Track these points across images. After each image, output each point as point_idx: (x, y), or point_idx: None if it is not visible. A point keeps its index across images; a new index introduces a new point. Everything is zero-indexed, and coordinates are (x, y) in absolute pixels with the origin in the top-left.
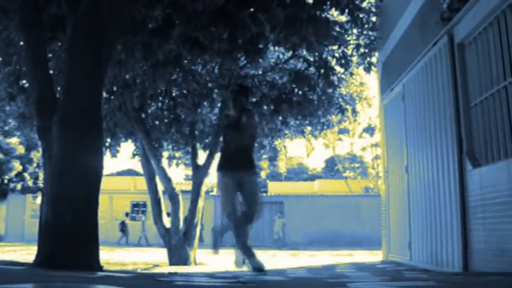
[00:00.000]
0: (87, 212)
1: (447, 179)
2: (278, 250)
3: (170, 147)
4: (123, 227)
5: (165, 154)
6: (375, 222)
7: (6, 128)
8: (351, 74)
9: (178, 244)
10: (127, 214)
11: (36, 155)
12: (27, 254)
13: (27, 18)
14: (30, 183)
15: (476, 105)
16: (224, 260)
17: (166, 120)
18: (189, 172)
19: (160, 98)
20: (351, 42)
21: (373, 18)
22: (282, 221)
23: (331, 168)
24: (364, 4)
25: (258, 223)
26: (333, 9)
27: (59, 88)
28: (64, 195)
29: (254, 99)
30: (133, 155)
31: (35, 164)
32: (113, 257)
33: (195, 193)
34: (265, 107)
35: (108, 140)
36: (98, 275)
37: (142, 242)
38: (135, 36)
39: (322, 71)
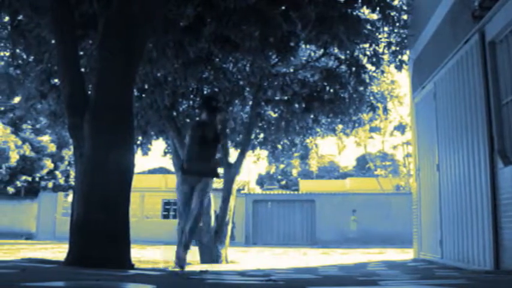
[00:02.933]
0: (119, 210)
1: (478, 177)
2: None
3: None
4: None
5: None
6: (406, 220)
7: (38, 126)
8: (382, 72)
9: (209, 242)
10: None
11: (68, 153)
12: (58, 252)
13: (58, 16)
14: (61, 181)
15: (508, 104)
16: (256, 258)
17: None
18: (220, 170)
19: (192, 96)
20: (382, 40)
21: (404, 16)
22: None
23: (362, 166)
24: (395, 2)
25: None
26: (364, 7)
27: (90, 86)
28: (95, 193)
29: (286, 97)
30: (165, 153)
31: (66, 162)
32: (144, 255)
33: (226, 191)
34: (296, 105)
35: (140, 138)
36: (129, 273)
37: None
38: (166, 35)
39: (354, 69)
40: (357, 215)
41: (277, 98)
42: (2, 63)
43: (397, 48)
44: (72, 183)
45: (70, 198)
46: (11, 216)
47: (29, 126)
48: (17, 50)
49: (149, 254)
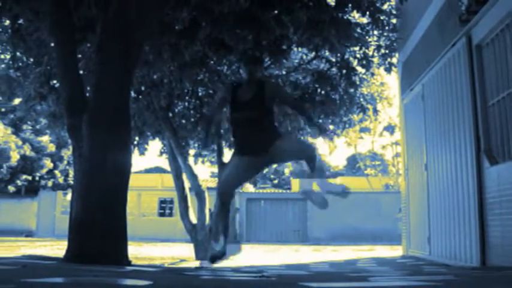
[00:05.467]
0: (116, 208)
1: (465, 176)
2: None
3: (196, 145)
4: None
5: (192, 152)
6: (395, 218)
7: (38, 126)
8: (372, 74)
9: (204, 239)
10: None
11: (67, 153)
12: (57, 249)
13: (58, 20)
14: (60, 180)
15: (494, 105)
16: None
17: (192, 119)
18: (215, 169)
19: (187, 98)
20: (372, 43)
21: (394, 20)
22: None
23: (353, 165)
24: (385, 6)
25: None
26: (355, 12)
27: (88, 88)
28: (93, 192)
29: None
30: (161, 153)
31: (65, 162)
32: (141, 252)
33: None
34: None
35: (137, 138)
36: (127, 269)
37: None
38: (162, 38)
39: (344, 71)
40: (347, 214)
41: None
42: (3, 65)
43: (387, 51)
44: (71, 182)
45: (69, 196)
46: (11, 215)
47: (29, 127)
48: (17, 53)
49: (146, 251)
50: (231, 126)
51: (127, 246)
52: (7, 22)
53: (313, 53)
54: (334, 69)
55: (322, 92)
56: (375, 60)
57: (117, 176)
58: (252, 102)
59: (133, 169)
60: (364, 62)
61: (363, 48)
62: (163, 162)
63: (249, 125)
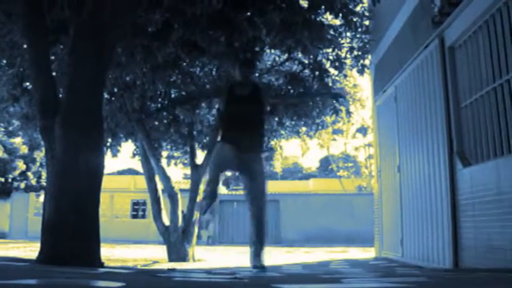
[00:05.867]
0: (89, 209)
1: (438, 178)
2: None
3: (169, 147)
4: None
5: (164, 154)
6: (368, 220)
7: (10, 128)
8: (345, 76)
9: (177, 241)
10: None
11: (39, 155)
12: (30, 250)
13: (31, 22)
14: (33, 182)
15: (466, 107)
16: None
17: (165, 121)
18: (188, 171)
19: (160, 99)
20: (345, 45)
21: (366, 22)
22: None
23: (326, 167)
24: (358, 8)
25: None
26: (327, 13)
27: (61, 89)
28: (66, 194)
29: None
30: (134, 155)
31: (38, 164)
32: (113, 254)
33: (194, 192)
34: None
35: (109, 140)
36: (99, 271)
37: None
38: (135, 40)
39: (317, 73)
40: (320, 215)
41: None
42: None
43: (359, 53)
44: (44, 184)
45: (42, 198)
46: None
47: (2, 129)
48: None
49: (118, 253)
50: (228, 117)
51: (100, 248)
52: None
53: (286, 55)
54: (306, 71)
55: (295, 93)
56: (348, 62)
57: (90, 177)
58: (251, 98)
59: (106, 171)
60: (336, 64)
61: (336, 50)
62: (136, 164)
63: (245, 119)
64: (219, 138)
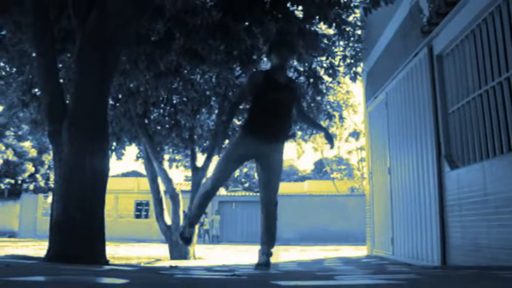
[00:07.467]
0: (94, 210)
1: (427, 179)
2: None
3: (171, 150)
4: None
5: (167, 157)
6: (360, 220)
7: (20, 132)
8: (338, 82)
9: (178, 240)
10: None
11: (48, 158)
12: (39, 249)
13: (39, 32)
14: (41, 183)
15: (454, 112)
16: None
17: (167, 126)
18: (189, 173)
19: (162, 105)
20: (338, 53)
21: (359, 31)
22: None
23: (320, 169)
24: (350, 18)
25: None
26: (321, 23)
27: (68, 96)
28: (73, 195)
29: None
30: (137, 158)
31: (46, 166)
32: (118, 252)
33: (194, 193)
34: None
35: (114, 143)
36: (104, 268)
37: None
38: (139, 48)
39: (312, 80)
40: (314, 215)
41: (241, 106)
42: None
43: (352, 61)
44: (52, 185)
45: (50, 199)
46: None
47: (12, 133)
48: (1, 63)
49: (123, 251)
50: (259, 104)
51: (105, 247)
52: None
53: None
54: (302, 78)
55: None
56: (341, 69)
57: (96, 179)
58: (287, 86)
59: (111, 173)
60: (330, 71)
61: (330, 58)
62: (140, 167)
63: (280, 107)
64: (242, 128)
